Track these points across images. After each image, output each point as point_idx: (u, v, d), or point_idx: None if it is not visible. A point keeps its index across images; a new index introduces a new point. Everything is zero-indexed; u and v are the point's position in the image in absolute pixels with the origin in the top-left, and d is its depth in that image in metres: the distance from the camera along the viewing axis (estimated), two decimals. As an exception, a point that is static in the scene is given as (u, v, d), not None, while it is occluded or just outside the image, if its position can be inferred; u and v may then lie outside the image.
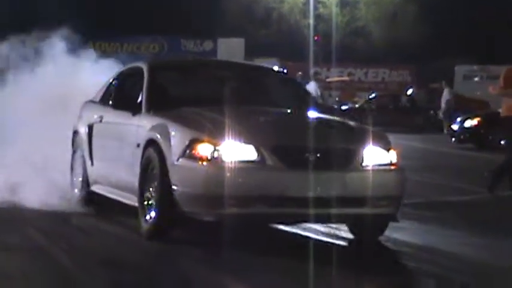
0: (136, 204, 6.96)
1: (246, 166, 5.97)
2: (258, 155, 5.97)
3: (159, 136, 6.53)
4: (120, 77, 8.78)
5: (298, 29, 29.84)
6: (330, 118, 7.69)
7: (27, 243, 7.17)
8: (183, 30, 31.54)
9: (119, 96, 8.00)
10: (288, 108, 7.94)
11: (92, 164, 8.53)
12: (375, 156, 6.35)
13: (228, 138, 6.06)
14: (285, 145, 6.23)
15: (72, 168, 9.17)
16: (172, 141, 6.30)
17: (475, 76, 32.84)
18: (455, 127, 19.45)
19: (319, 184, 6.06)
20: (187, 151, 6.09)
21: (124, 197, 7.50)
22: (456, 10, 31.66)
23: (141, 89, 7.57)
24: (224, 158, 5.97)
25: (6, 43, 12.07)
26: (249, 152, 5.99)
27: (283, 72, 10.42)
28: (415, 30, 29.98)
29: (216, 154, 5.93)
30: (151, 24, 31.32)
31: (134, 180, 7.00)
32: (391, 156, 6.49)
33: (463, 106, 23.69)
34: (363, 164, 6.27)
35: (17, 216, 8.38)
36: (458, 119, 19.36)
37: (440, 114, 24.03)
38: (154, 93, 7.50)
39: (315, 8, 29.29)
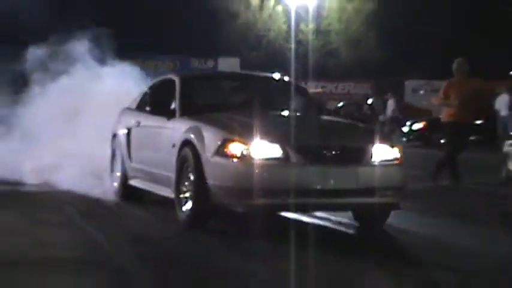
0: (172, 195, 7.35)
1: (272, 163, 6.30)
2: (282, 153, 6.29)
3: (193, 137, 6.85)
4: (153, 87, 9.14)
5: (282, 51, 32.42)
6: (339, 120, 8.45)
7: (66, 221, 7.65)
8: (189, 50, 33.66)
9: (154, 103, 8.21)
10: (301, 111, 8.26)
11: (131, 161, 8.93)
12: (382, 152, 6.63)
13: (257, 138, 6.35)
14: (306, 144, 6.54)
15: (111, 165, 9.66)
16: (206, 141, 6.62)
17: (421, 89, 34.22)
18: (405, 129, 21.75)
19: (335, 177, 6.39)
20: (220, 149, 6.42)
21: (161, 190, 7.87)
22: (408, 35, 33.02)
23: (174, 97, 7.98)
24: (253, 155, 6.26)
25: (47, 48, 12.80)
26: (274, 150, 6.31)
27: (290, 81, 10.25)
28: (375, 52, 32.80)
29: (245, 152, 6.28)
30: (164, 43, 32.57)
31: (170, 175, 7.38)
32: (395, 153, 6.78)
33: (411, 113, 25.51)
34: (373, 160, 6.56)
35: (61, 200, 8.84)
36: (408, 123, 21.58)
37: (381, 119, 24.88)
38: (186, 101, 7.92)
39: (296, 35, 31.77)
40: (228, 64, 33.53)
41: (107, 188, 9.31)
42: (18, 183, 10.51)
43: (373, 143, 6.63)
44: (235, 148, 6.31)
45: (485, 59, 30.53)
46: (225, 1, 35.12)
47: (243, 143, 6.29)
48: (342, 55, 34.45)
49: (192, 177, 6.76)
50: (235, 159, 6.27)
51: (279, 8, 34.06)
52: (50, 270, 5.45)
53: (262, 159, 6.21)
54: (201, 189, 6.51)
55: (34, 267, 5.50)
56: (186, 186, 6.92)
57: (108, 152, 9.61)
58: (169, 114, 7.71)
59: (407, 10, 32.92)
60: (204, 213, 6.72)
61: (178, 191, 6.99)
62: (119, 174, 9.14)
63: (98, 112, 11.35)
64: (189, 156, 6.80)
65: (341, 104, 28.82)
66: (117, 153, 9.31)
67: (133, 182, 8.70)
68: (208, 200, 6.48)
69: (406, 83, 34.66)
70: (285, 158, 6.24)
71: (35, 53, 13.13)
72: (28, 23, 21.52)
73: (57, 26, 14.56)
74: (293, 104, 8.38)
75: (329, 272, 5.32)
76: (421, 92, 34.97)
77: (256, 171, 6.14)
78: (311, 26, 32.48)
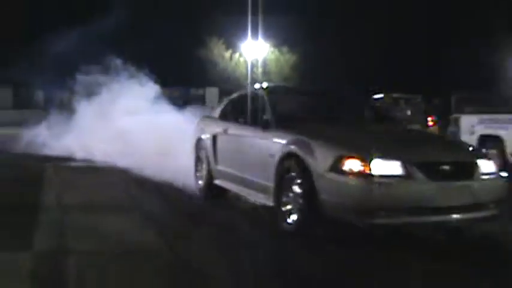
0: (269, 203, 6.85)
1: (394, 180, 5.76)
2: (404, 170, 5.79)
3: (300, 150, 6.36)
4: (237, 99, 8.86)
5: (243, 84, 38.64)
6: (434, 133, 8.19)
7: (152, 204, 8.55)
8: (186, 82, 41.79)
9: (241, 113, 8.03)
10: (386, 123, 8.24)
11: (217, 163, 8.61)
12: (485, 166, 6.24)
13: (377, 155, 5.85)
14: (425, 161, 5.94)
15: (196, 166, 9.47)
16: (318, 156, 6.14)
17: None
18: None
19: (454, 194, 5.95)
20: (335, 165, 5.94)
21: (252, 195, 7.51)
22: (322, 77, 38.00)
23: (263, 108, 7.58)
24: (373, 173, 5.76)
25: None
26: (395, 168, 5.82)
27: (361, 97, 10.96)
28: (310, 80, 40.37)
29: (364, 169, 5.80)
30: (169, 77, 34.90)
31: (266, 184, 6.91)
32: (492, 165, 6.35)
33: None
34: (481, 174, 6.16)
35: (148, 187, 10.04)
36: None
37: None
38: (277, 112, 7.46)
39: (251, 75, 39.66)
40: (212, 92, 43.69)
41: (196, 185, 9.45)
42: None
43: (477, 157, 6.33)
44: (352, 165, 5.87)
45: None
46: (209, 54, 45.88)
47: (361, 160, 5.83)
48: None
49: (297, 190, 6.30)
50: (353, 176, 5.82)
51: (241, 59, 44.68)
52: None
53: (383, 176, 5.77)
54: (311, 203, 6.07)
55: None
56: (289, 197, 6.49)
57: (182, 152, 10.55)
58: (264, 125, 7.33)
59: (319, 60, 40.75)
60: (312, 226, 6.21)
61: (278, 201, 6.63)
62: (204, 173, 9.10)
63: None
64: (294, 169, 6.37)
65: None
66: (202, 155, 9.23)
67: (218, 182, 8.60)
68: (320, 214, 6.04)
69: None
70: (407, 175, 5.78)
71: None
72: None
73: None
74: (368, 116, 8.44)
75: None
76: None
77: (378, 189, 5.70)
78: (260, 69, 39.46)
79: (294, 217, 6.35)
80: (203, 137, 9.30)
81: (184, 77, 42.94)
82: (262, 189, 7.05)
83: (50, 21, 36.48)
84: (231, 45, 45.51)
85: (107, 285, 4.81)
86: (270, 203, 6.83)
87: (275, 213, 6.66)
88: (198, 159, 9.49)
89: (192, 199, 8.83)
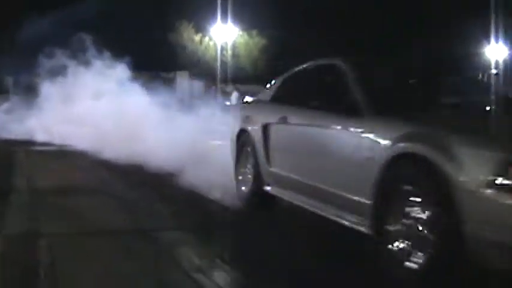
0: (363, 229, 4.50)
1: None
2: None
3: (429, 149, 3.82)
4: (301, 76, 6.46)
5: (213, 67, 42.22)
6: None
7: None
8: (158, 66, 41.04)
9: (310, 95, 5.51)
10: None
11: (270, 165, 6.38)
12: None
13: None
14: None
15: (236, 166, 7.33)
16: (465, 160, 3.65)
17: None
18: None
19: None
20: (499, 178, 3.48)
21: (331, 213, 5.05)
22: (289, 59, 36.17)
23: (345, 88, 5.12)
24: None
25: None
26: None
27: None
28: (267, 68, 42.50)
29: None
30: (141, 62, 32.81)
31: (359, 199, 4.54)
32: None
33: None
34: None
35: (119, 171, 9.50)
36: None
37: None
38: (372, 93, 4.91)
39: (221, 58, 42.09)
40: (182, 75, 43.31)
41: (238, 193, 7.16)
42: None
43: None
44: None
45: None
46: (180, 38, 45.78)
47: None
48: (247, 69, 45.70)
49: (417, 214, 3.88)
50: None
51: (211, 42, 44.67)
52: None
53: None
54: (450, 234, 3.62)
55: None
56: (401, 224, 4.03)
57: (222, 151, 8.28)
58: (349, 111, 4.83)
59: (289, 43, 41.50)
60: (447, 274, 3.58)
61: (382, 230, 4.16)
62: (249, 177, 6.94)
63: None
64: (413, 180, 3.94)
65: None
66: (247, 154, 6.99)
67: (271, 189, 6.38)
68: (462, 252, 3.58)
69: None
70: None
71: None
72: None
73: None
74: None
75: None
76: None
77: None
78: (230, 52, 42.15)
79: (418, 255, 3.92)
80: (249, 128, 7.04)
81: (155, 61, 43.08)
82: (350, 207, 4.73)
83: (18, 9, 37.14)
84: (200, 29, 45.77)
85: (80, 266, 4.77)
86: (365, 229, 4.54)
87: (375, 248, 4.30)
88: (238, 159, 7.31)
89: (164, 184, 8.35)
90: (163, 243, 5.27)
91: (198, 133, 11.70)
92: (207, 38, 46.16)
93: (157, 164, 9.62)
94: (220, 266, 4.60)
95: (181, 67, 45.11)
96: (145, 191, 7.92)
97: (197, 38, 46.67)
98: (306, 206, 5.54)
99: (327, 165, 5.18)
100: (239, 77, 42.66)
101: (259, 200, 6.73)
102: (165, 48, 44.20)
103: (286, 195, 6.02)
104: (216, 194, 7.48)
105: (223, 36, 43.36)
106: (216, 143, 10.78)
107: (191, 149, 10.30)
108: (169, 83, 41.24)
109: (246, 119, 7.20)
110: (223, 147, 8.26)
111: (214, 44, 44.32)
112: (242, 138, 7.21)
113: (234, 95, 31.81)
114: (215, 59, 44.69)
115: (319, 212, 5.30)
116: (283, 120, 6.16)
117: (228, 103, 28.70)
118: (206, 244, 5.22)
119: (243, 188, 7.06)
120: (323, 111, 5.25)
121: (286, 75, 6.91)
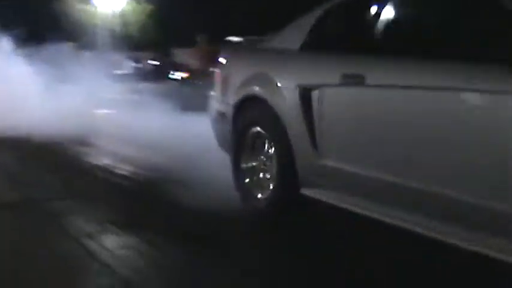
0: None
1: None
2: None
3: None
4: (383, 4, 3.67)
5: (103, 36, 42.24)
6: None
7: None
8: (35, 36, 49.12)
9: (415, 37, 3.35)
10: None
11: (319, 155, 3.82)
12: None
13: None
14: None
15: (237, 160, 4.69)
16: None
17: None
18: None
19: None
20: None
21: (469, 240, 2.92)
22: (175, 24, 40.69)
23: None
24: None
25: None
26: None
27: None
28: (154, 34, 44.12)
29: None
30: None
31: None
32: None
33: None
34: None
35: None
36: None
37: None
38: None
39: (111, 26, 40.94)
40: (69, 46, 47.36)
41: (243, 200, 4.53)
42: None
43: None
44: None
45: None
46: (64, 7, 44.92)
47: None
48: (135, 36, 45.40)
49: None
50: None
51: (98, 11, 44.61)
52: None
53: None
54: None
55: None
56: None
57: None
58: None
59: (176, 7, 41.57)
60: None
61: None
62: (266, 177, 4.45)
63: None
64: None
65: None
66: (262, 138, 4.47)
67: (321, 195, 3.84)
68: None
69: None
70: None
71: None
72: None
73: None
74: None
75: None
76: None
77: None
78: (118, 20, 42.83)
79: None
80: (268, 95, 4.42)
81: (39, 33, 40.69)
82: (496, 225, 2.88)
83: None
84: (86, -3, 40.62)
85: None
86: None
87: None
88: (243, 146, 4.76)
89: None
90: (53, 213, 5.28)
91: (84, 103, 11.80)
92: (92, 7, 45.81)
93: (43, 134, 9.56)
94: (110, 230, 4.55)
95: (67, 37, 43.50)
96: (33, 163, 7.86)
97: (83, 7, 46.33)
98: (399, 223, 3.43)
99: (458, 159, 3.07)
100: (130, 45, 42.69)
101: (286, 210, 4.31)
102: (50, 19, 43.29)
103: (352, 204, 3.72)
104: (104, 160, 7.60)
105: (109, 4, 42.52)
106: (102, 111, 10.92)
107: (77, 118, 10.45)
108: (56, 54, 39.81)
109: (257, 79, 4.46)
110: (110, 115, 8.73)
111: (102, 13, 44.42)
112: (249, 113, 4.57)
113: (127, 63, 31.63)
114: (102, 28, 43.60)
115: (431, 234, 3.22)
116: (356, 81, 3.65)
117: (118, 72, 27.75)
118: (95, 211, 5.23)
119: (259, 195, 4.54)
120: (457, 64, 3.04)
121: (333, 3, 4.25)
